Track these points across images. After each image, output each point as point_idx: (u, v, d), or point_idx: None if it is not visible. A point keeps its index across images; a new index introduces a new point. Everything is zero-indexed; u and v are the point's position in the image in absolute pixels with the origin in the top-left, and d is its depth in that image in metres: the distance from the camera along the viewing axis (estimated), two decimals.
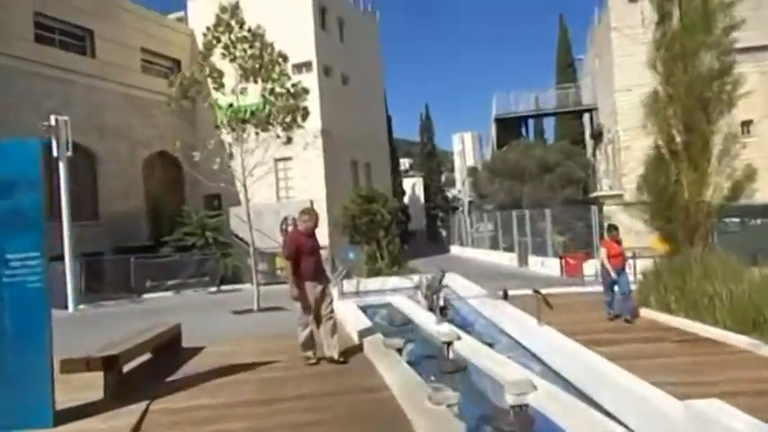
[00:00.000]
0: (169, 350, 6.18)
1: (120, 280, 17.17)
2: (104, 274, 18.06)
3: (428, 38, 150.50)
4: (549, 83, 37.22)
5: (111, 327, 10.71)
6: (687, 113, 8.62)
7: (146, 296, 15.75)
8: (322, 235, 26.03)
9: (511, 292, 10.36)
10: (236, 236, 22.26)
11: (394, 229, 19.04)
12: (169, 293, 15.84)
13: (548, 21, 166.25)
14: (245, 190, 10.54)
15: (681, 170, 8.71)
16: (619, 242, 8.29)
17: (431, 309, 7.15)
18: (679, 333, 7.06)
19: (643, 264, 14.44)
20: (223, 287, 15.87)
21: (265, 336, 7.85)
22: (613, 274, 7.92)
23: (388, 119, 37.87)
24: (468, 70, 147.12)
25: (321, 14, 25.97)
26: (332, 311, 5.78)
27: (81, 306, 14.04)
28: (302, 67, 23.80)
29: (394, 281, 13.21)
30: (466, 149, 42.64)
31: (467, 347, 5.40)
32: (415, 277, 14.42)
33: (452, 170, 49.15)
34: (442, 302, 7.10)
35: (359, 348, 6.09)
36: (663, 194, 8.85)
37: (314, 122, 24.53)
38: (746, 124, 22.75)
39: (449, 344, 5.25)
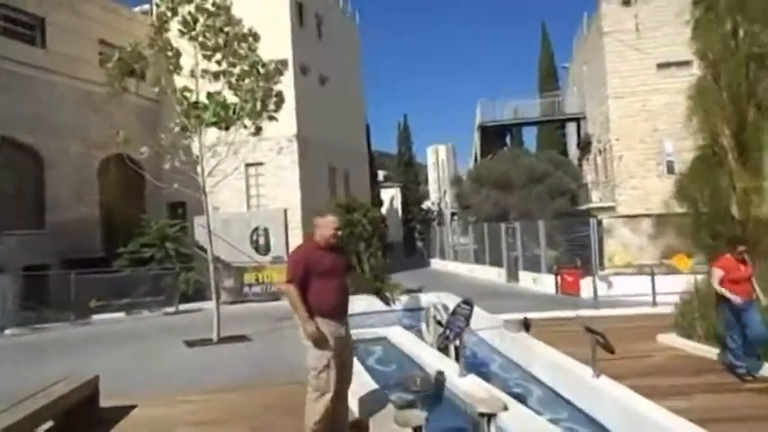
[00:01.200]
0: (80, 415, 4.34)
1: (65, 297, 14.99)
2: (47, 291, 15.83)
3: (407, 48, 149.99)
4: (530, 92, 36.31)
5: (34, 361, 8.71)
6: (740, 104, 7.17)
7: (95, 317, 13.66)
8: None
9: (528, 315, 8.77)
10: (201, 247, 20.27)
11: (376, 241, 17.33)
12: (120, 314, 13.77)
13: (529, 28, 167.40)
14: (205, 194, 8.72)
15: (734, 175, 7.25)
16: (745, 262, 5.85)
17: (440, 348, 5.46)
18: None
19: (666, 282, 13.15)
20: (183, 306, 13.89)
21: (224, 386, 6.01)
22: (736, 300, 5.46)
23: (367, 127, 36.32)
24: (448, 80, 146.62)
25: (298, 9, 24.27)
26: (351, 376, 3.99)
27: (7, 331, 11.92)
28: (277, 65, 22.02)
29: (380, 303, 11.48)
30: (440, 162, 41.73)
31: (518, 423, 3.69)
32: (404, 298, 12.76)
33: (427, 182, 48.01)
34: (459, 342, 5.42)
35: (362, 428, 4.08)
36: (713, 204, 7.36)
37: (289, 125, 22.80)
38: None
39: (490, 416, 3.54)
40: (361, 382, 4.63)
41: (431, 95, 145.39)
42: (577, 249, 17.61)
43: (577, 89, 29.39)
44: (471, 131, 33.49)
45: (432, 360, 5.05)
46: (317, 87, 25.21)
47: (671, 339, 7.62)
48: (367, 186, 31.01)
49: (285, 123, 22.46)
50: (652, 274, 10.62)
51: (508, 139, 33.79)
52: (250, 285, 15.01)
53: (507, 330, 6.60)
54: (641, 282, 13.90)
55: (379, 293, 13.04)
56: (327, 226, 3.88)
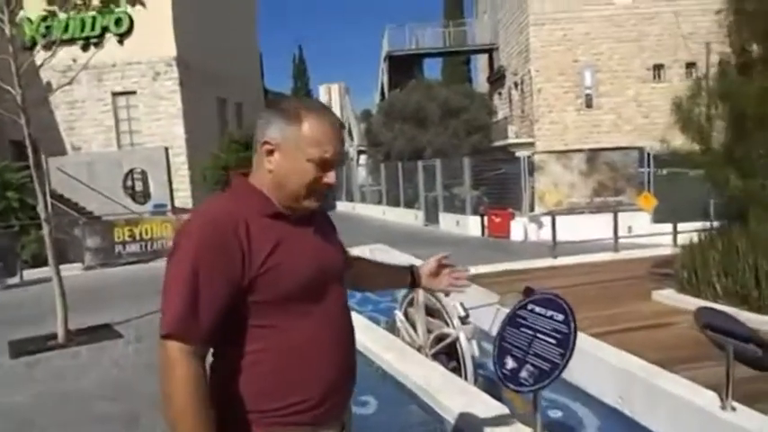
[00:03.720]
0: None
1: None
2: None
3: None
4: (435, 21, 34.06)
5: None
6: None
7: None
8: (183, 193, 20.65)
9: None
10: (60, 197, 16.36)
11: None
12: None
13: None
14: (24, 114, 5.59)
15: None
16: None
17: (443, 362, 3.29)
18: None
19: (632, 218, 11.94)
20: (31, 274, 10.53)
21: None
22: None
23: (260, 56, 32.31)
24: (349, 5, 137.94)
25: None
26: None
27: None
28: None
29: None
30: (333, 102, 39.79)
31: None
32: None
33: None
34: (476, 351, 3.27)
35: None
36: (740, 133, 5.67)
37: (166, 46, 18.81)
38: None
39: None
40: None
41: (331, 23, 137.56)
42: (502, 188, 16.26)
43: (489, 18, 27.62)
44: (378, 62, 30.84)
45: (437, 387, 2.83)
46: (200, 3, 21.08)
47: (673, 298, 6.06)
48: None
49: (161, 43, 18.54)
50: (615, 213, 9.20)
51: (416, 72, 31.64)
52: (124, 243, 11.85)
53: (507, 307, 4.59)
54: (578, 222, 12.81)
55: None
56: (321, 137, 1.28)
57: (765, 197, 5.49)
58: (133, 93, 18.87)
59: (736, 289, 5.45)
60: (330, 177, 1.31)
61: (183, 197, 18.24)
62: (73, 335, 5.94)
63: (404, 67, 27.62)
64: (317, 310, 1.31)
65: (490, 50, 27.58)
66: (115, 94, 18.91)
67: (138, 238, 12.01)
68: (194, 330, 1.17)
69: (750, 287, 5.24)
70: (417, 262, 2.02)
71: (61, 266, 6.40)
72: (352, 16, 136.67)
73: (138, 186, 17.80)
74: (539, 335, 2.26)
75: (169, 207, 15.70)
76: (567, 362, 2.00)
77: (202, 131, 19.40)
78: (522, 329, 2.32)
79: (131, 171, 16.88)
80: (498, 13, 25.92)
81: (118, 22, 18.50)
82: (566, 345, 2.10)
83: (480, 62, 33.17)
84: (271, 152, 1.30)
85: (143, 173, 16.97)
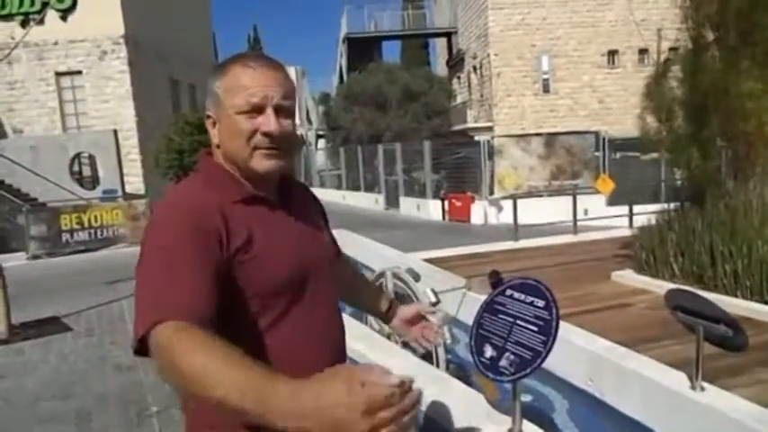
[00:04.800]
0: None
1: None
2: None
3: None
4: (393, 3, 33.77)
5: None
6: None
7: None
8: (135, 178, 19.84)
9: (431, 255, 6.83)
10: (1, 183, 15.45)
11: None
12: None
13: None
14: None
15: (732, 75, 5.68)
16: None
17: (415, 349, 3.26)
18: None
19: (591, 202, 12.10)
20: None
21: None
22: None
23: (213, 36, 31.25)
24: None
25: None
26: None
27: None
28: None
29: None
30: None
31: None
32: None
33: None
34: (447, 338, 3.20)
35: None
36: (701, 115, 5.77)
37: (114, 24, 17.89)
38: None
39: None
40: None
41: (287, 1, 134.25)
42: (462, 172, 16.35)
43: (448, 1, 27.53)
44: (336, 43, 30.38)
45: (409, 375, 2.76)
46: None
47: (632, 278, 6.18)
48: None
49: (108, 20, 17.60)
50: (574, 196, 9.31)
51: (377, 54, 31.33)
52: (71, 231, 11.26)
53: (475, 292, 4.55)
54: (537, 205, 12.99)
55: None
56: (247, 82, 1.07)
57: (721, 179, 5.63)
58: (78, 73, 17.88)
59: (692, 269, 5.59)
60: (265, 123, 1.07)
61: (135, 182, 17.53)
62: (17, 329, 5.59)
63: (363, 49, 27.30)
64: (299, 312, 1.11)
65: (449, 34, 27.54)
66: (59, 74, 17.89)
67: (86, 225, 11.46)
68: (180, 307, 0.91)
69: (705, 267, 5.37)
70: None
71: (3, 256, 6.00)
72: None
73: (86, 171, 16.99)
74: (519, 322, 2.17)
75: (120, 193, 15.06)
76: (550, 350, 1.93)
77: (154, 114, 18.62)
78: (501, 316, 2.23)
79: (78, 155, 16.07)
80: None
81: None
82: (548, 332, 2.03)
83: (439, 46, 33.13)
84: (213, 124, 1.14)
85: (91, 157, 16.20)
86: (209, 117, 1.14)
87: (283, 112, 1.10)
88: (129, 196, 14.69)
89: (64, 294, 7.48)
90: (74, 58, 17.81)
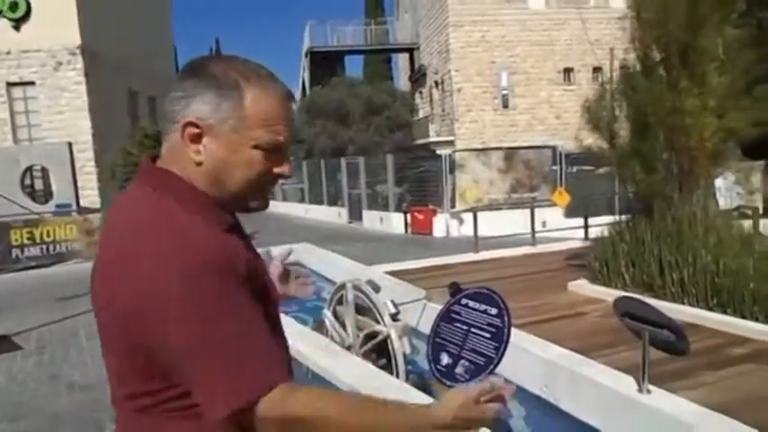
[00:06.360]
0: None
1: None
2: None
3: None
4: (356, 18, 34.10)
5: None
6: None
7: None
8: (90, 191, 19.34)
9: (393, 267, 6.90)
10: None
11: None
12: None
13: None
14: None
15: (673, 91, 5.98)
16: None
17: (372, 359, 3.20)
18: None
19: (548, 215, 12.38)
20: None
21: None
22: None
23: (174, 49, 30.86)
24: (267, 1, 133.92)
25: None
26: None
27: None
28: None
29: None
30: None
31: None
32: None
33: None
34: (407, 348, 3.22)
35: None
36: (643, 131, 6.04)
37: (69, 34, 17.49)
38: None
39: None
40: None
41: (250, 16, 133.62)
42: (423, 185, 16.57)
43: (411, 17, 28.00)
44: (298, 57, 30.40)
45: (369, 385, 2.75)
46: None
47: (587, 288, 6.40)
48: None
49: (64, 30, 17.19)
50: (532, 209, 9.58)
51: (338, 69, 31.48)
52: (22, 247, 10.86)
53: (434, 302, 4.62)
54: (497, 218, 13.26)
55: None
56: (271, 114, 0.96)
57: (666, 191, 5.90)
58: (31, 83, 17.38)
59: (642, 278, 5.83)
60: (285, 167, 1.00)
61: (91, 195, 17.05)
62: None
63: (325, 63, 27.41)
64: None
65: (411, 50, 27.96)
66: (10, 85, 17.33)
67: (38, 240, 11.07)
68: (281, 365, 0.94)
69: (655, 276, 5.62)
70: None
71: None
72: (271, 11, 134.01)
73: (39, 185, 16.43)
74: (473, 329, 2.23)
75: (74, 207, 14.60)
76: (502, 355, 1.99)
77: (111, 126, 18.21)
78: (456, 324, 2.28)
79: (30, 168, 15.51)
80: (419, 13, 26.33)
81: (13, 6, 16.97)
82: (500, 338, 2.08)
83: (402, 61, 33.57)
84: (198, 137, 0.95)
85: (44, 170, 15.67)
86: (191, 126, 0.95)
87: None
88: (84, 210, 14.26)
89: (13, 312, 7.20)
90: (27, 69, 17.30)
